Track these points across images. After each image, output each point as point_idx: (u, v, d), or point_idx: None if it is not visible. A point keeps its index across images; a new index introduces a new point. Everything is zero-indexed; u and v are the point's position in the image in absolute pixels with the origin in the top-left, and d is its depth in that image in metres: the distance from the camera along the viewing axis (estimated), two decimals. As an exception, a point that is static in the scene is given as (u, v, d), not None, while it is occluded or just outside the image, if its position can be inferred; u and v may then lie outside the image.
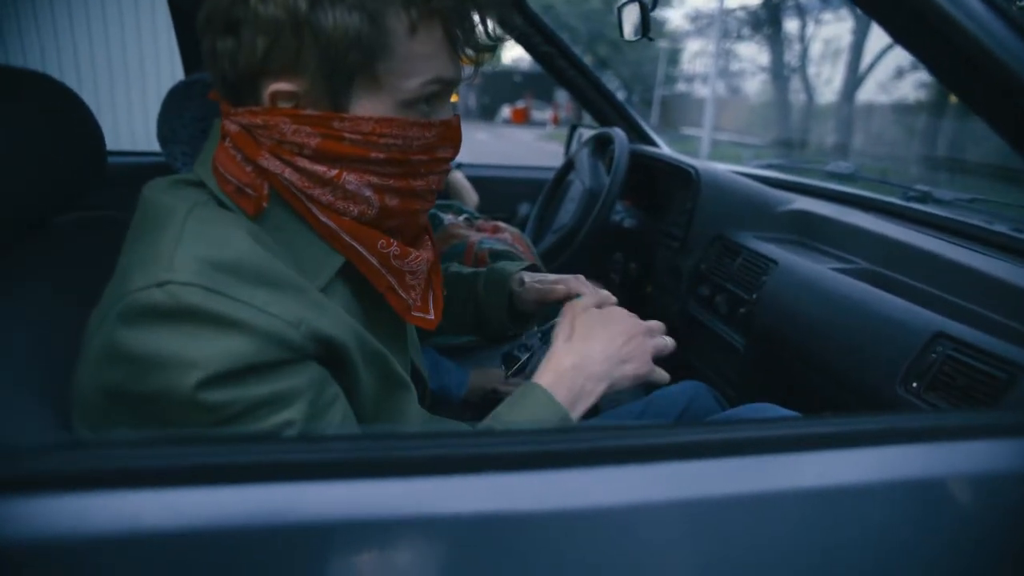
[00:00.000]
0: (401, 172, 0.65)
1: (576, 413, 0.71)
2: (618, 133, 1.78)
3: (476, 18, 0.63)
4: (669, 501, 0.52)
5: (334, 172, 0.62)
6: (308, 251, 0.64)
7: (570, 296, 0.89)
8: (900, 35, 0.69)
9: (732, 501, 0.53)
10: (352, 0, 0.57)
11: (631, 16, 1.31)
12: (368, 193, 0.64)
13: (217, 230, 0.58)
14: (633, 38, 1.33)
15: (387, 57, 0.60)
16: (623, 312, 0.81)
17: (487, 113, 31.07)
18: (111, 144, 0.89)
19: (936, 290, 1.13)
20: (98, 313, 0.57)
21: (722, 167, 1.85)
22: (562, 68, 2.02)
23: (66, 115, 0.82)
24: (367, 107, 0.62)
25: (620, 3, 1.36)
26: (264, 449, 0.47)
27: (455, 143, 0.69)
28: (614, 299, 0.87)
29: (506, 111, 29.38)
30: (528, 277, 0.98)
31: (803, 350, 1.21)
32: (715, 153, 14.28)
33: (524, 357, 1.03)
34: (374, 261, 0.67)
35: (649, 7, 1.23)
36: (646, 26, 1.26)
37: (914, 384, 0.97)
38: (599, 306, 0.83)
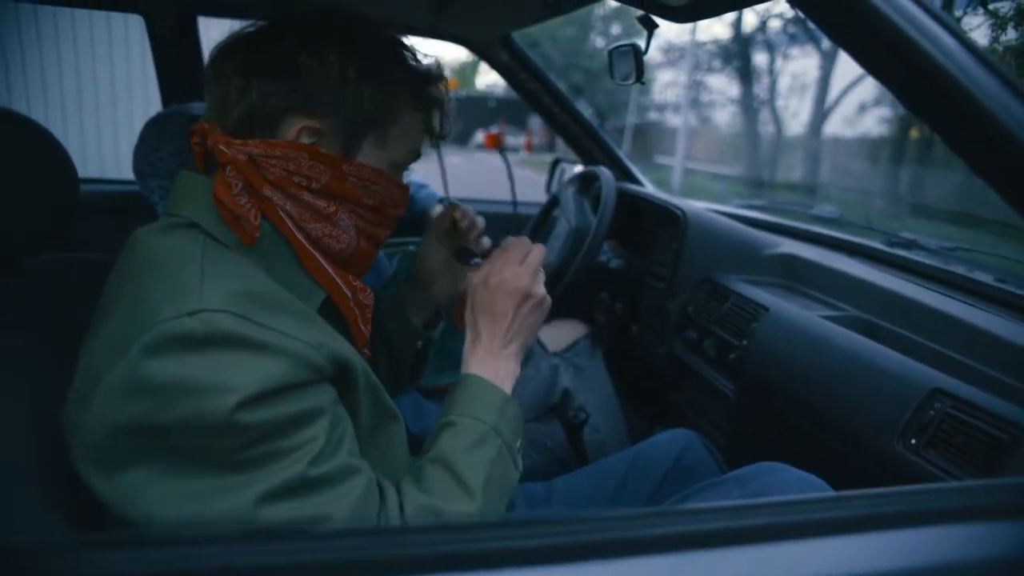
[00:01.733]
0: (376, 220, 0.75)
1: (509, 389, 0.78)
2: (604, 172, 1.77)
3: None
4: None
5: (332, 208, 0.70)
6: (296, 285, 0.69)
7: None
8: (873, 67, 0.69)
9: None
10: (386, 78, 0.71)
11: (623, 60, 1.31)
12: (352, 232, 0.73)
13: (232, 265, 0.63)
14: (626, 83, 1.33)
15: (394, 124, 0.73)
16: (508, 279, 0.79)
17: (461, 138, 31.21)
18: (80, 171, 0.86)
19: (929, 342, 1.13)
20: (106, 352, 0.57)
21: (707, 208, 1.85)
22: (547, 105, 2.02)
23: (36, 152, 0.78)
24: (369, 159, 0.72)
25: (612, 47, 1.35)
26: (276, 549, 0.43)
27: (406, 205, 0.81)
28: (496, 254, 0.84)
29: (480, 136, 29.55)
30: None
31: (797, 400, 1.20)
32: (688, 182, 14.52)
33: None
34: (349, 295, 0.74)
35: (643, 52, 1.23)
36: (639, 71, 1.25)
37: (912, 441, 0.96)
38: (488, 276, 0.81)
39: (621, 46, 1.30)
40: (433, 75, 0.76)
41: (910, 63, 0.62)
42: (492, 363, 0.78)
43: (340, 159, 0.69)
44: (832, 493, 0.86)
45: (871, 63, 0.69)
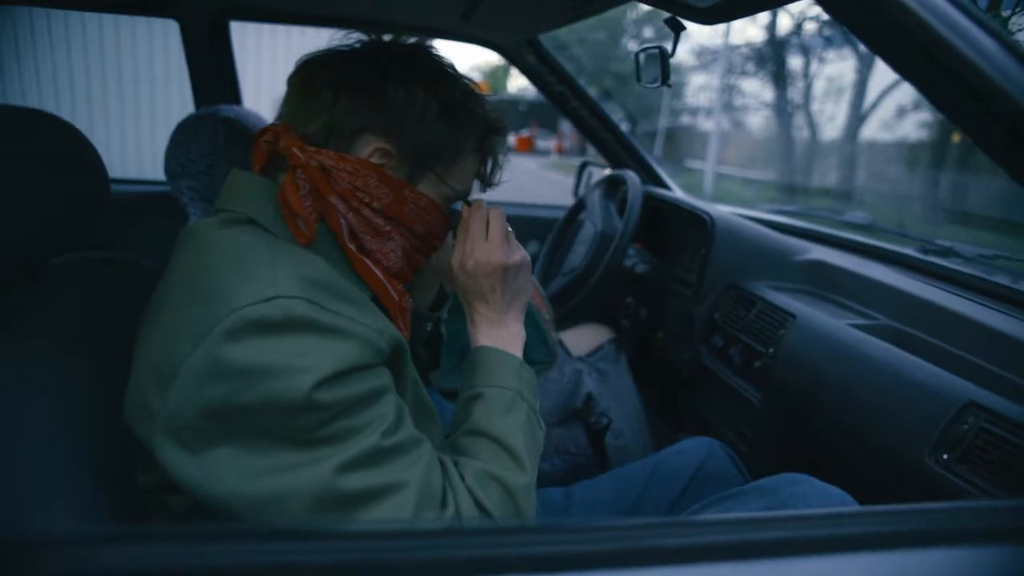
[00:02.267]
0: (420, 246, 0.79)
1: (519, 351, 0.82)
2: (631, 176, 1.76)
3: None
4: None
5: (388, 228, 0.74)
6: (348, 279, 0.72)
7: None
8: (908, 72, 0.66)
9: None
10: (461, 120, 0.76)
11: (650, 63, 1.29)
12: (400, 254, 0.76)
13: (297, 255, 0.66)
14: (651, 85, 1.31)
15: (456, 163, 0.77)
16: (481, 260, 0.81)
17: (492, 141, 31.28)
18: (120, 172, 0.88)
19: (963, 352, 1.10)
20: (181, 338, 0.59)
21: (735, 212, 1.82)
22: (575, 108, 2.01)
23: (69, 154, 0.79)
24: (428, 190, 0.76)
25: (638, 50, 1.34)
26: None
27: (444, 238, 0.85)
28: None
29: (511, 139, 29.61)
30: None
31: (824, 409, 1.17)
32: (719, 187, 14.34)
33: None
34: (396, 298, 0.76)
35: (669, 55, 1.22)
36: (665, 74, 1.24)
37: (944, 456, 0.93)
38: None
39: (647, 49, 1.29)
40: (498, 126, 0.80)
41: (944, 66, 0.60)
42: (496, 332, 0.82)
43: (403, 184, 0.74)
44: (857, 507, 0.83)
45: (905, 68, 0.66)
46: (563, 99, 1.99)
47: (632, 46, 22.30)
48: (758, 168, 16.80)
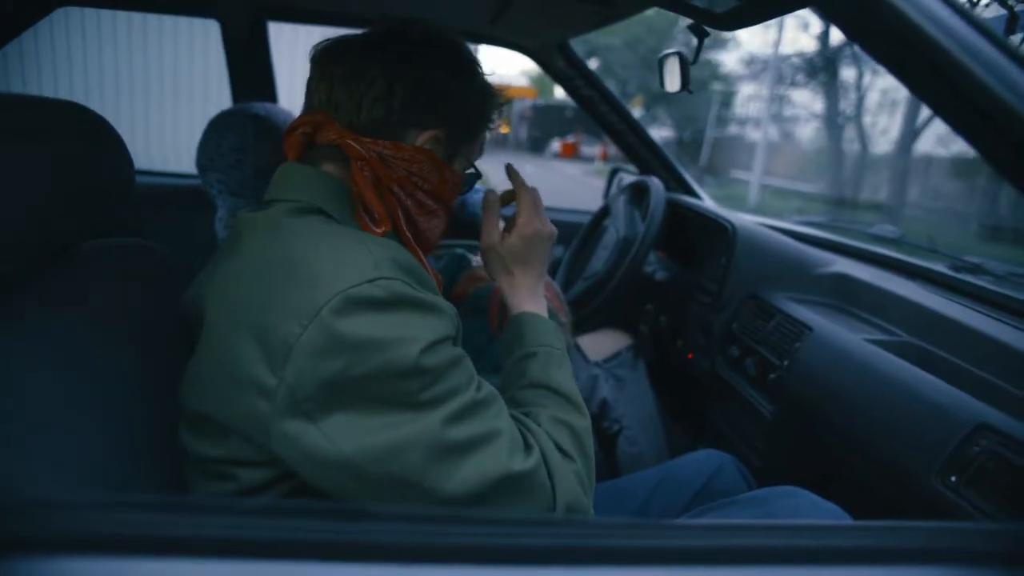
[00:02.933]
0: (448, 219, 0.87)
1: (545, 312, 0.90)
2: (655, 182, 1.74)
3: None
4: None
5: (437, 207, 0.82)
6: None
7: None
8: (918, 89, 0.64)
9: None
10: (486, 101, 0.83)
11: (672, 69, 1.29)
12: (441, 230, 0.85)
13: (380, 241, 0.70)
14: (673, 90, 1.30)
15: (476, 140, 0.85)
16: (539, 228, 0.90)
17: (537, 146, 31.36)
18: (160, 165, 0.93)
19: (985, 374, 1.06)
20: (285, 319, 0.62)
21: (760, 222, 1.79)
22: (603, 112, 2.01)
23: (96, 143, 0.83)
24: (459, 167, 0.84)
25: (661, 55, 1.34)
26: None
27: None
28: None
29: (556, 145, 29.59)
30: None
31: (833, 425, 1.14)
32: (764, 198, 14.08)
33: None
34: (432, 275, 0.81)
35: (690, 61, 1.21)
36: (685, 79, 1.23)
37: (952, 478, 0.90)
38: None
39: (668, 54, 1.29)
40: (503, 101, 0.86)
41: (965, 98, 0.58)
42: (535, 299, 0.90)
43: (446, 166, 0.80)
44: (838, 522, 0.81)
45: (917, 86, 0.65)
46: (592, 103, 1.99)
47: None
48: (806, 180, 16.44)
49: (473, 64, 0.81)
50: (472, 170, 0.86)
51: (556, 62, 1.91)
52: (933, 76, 0.60)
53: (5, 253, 0.72)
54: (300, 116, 0.78)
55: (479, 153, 0.89)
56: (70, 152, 0.78)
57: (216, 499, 0.71)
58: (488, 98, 0.83)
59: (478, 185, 2.03)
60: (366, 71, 0.75)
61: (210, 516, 0.47)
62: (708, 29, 1.22)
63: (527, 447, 0.70)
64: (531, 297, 0.90)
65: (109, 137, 0.85)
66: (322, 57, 0.78)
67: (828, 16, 0.65)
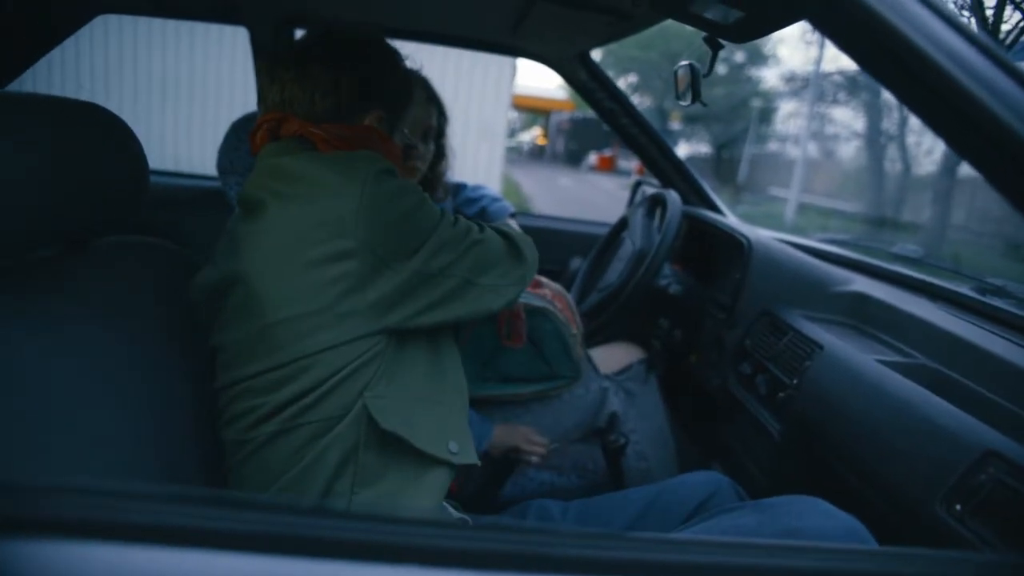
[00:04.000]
0: None
1: None
2: (671, 195, 1.73)
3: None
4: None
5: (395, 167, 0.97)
6: None
7: None
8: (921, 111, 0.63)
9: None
10: (412, 89, 1.06)
11: (684, 80, 1.28)
12: None
13: None
14: (686, 103, 1.29)
15: (409, 115, 1.08)
16: None
17: (574, 159, 31.34)
18: (195, 167, 1.02)
19: (1000, 399, 1.02)
20: (337, 202, 0.83)
21: (780, 238, 1.76)
22: (624, 125, 2.00)
23: (113, 143, 0.86)
24: (397, 140, 1.04)
25: (676, 67, 1.33)
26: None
27: None
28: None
29: (592, 158, 29.53)
30: None
31: (840, 447, 1.11)
32: (802, 217, 13.82)
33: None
34: None
35: (701, 73, 1.20)
36: (696, 92, 1.22)
37: (957, 506, 0.86)
38: None
39: (681, 66, 1.28)
40: (420, 79, 1.14)
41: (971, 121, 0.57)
42: None
43: (388, 138, 0.98)
44: (813, 544, 0.79)
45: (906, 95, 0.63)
46: (613, 116, 1.99)
47: (721, 69, 21.87)
48: (846, 199, 16.10)
49: (396, 55, 1.01)
50: (409, 142, 1.10)
51: (579, 74, 1.91)
52: (920, 87, 0.58)
53: (18, 245, 0.74)
54: (260, 116, 0.94)
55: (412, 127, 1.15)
56: (84, 150, 0.81)
57: (219, 492, 0.76)
58: (410, 81, 1.04)
59: (509, 205, 2.05)
60: (311, 70, 0.92)
61: (213, 509, 0.47)
62: (724, 43, 1.21)
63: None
64: None
65: (124, 136, 0.88)
66: (270, 66, 0.95)
67: (819, 28, 0.64)
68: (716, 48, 1.24)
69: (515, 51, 1.86)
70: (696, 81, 1.22)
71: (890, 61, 0.59)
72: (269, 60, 0.95)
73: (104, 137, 0.85)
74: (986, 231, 11.88)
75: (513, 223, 2.08)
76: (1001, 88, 0.55)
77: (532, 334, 1.44)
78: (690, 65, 1.24)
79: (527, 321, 1.43)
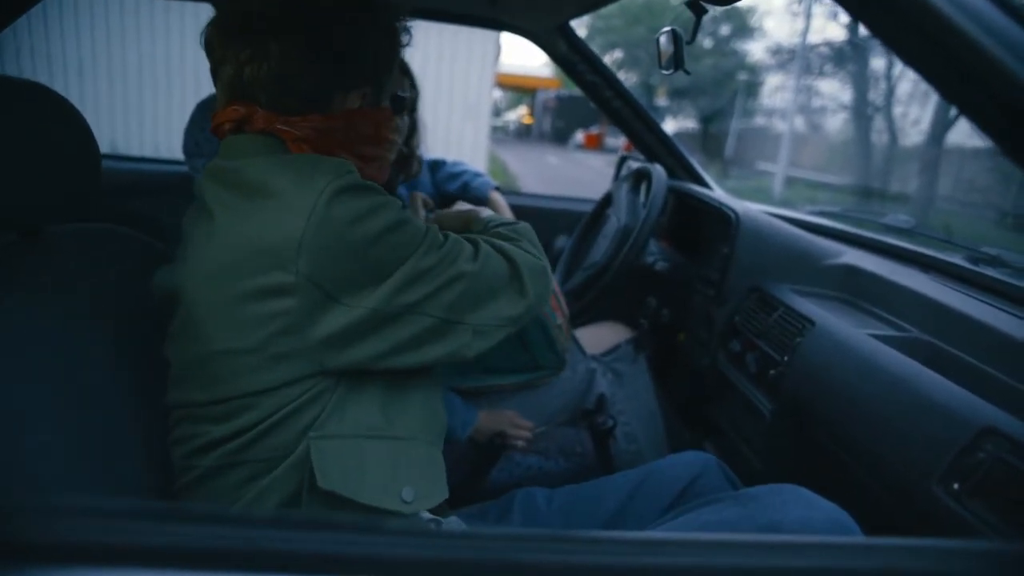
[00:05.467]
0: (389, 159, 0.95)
1: None
2: (657, 169, 1.68)
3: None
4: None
5: (379, 151, 0.87)
6: None
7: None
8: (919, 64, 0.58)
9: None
10: (398, 42, 0.86)
11: (667, 47, 1.22)
12: (387, 165, 0.92)
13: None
14: (668, 70, 1.24)
15: (391, 76, 0.88)
16: None
17: (560, 137, 31.14)
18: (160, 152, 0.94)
19: (997, 372, 0.99)
20: (282, 222, 0.70)
21: (770, 212, 1.72)
22: (608, 98, 1.94)
23: (59, 125, 0.80)
24: (384, 103, 0.88)
25: (658, 34, 1.27)
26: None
27: None
28: None
29: (579, 136, 29.34)
30: None
31: (833, 425, 1.07)
32: (790, 190, 13.82)
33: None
34: None
35: (684, 40, 1.14)
36: (679, 59, 1.17)
37: (955, 485, 0.83)
38: None
39: (663, 32, 1.22)
40: (405, 25, 0.88)
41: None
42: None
43: (376, 109, 0.85)
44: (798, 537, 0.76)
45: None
46: (596, 89, 1.93)
47: (707, 43, 21.72)
48: (834, 172, 16.10)
49: (380, 11, 0.82)
50: (399, 94, 0.94)
51: (560, 47, 1.85)
52: (925, 41, 0.54)
53: None
54: (218, 111, 0.79)
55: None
56: (28, 131, 0.76)
57: (204, 507, 0.74)
58: (393, 34, 0.85)
59: (490, 179, 1.99)
60: (271, 48, 0.74)
61: (195, 525, 0.44)
62: (707, 7, 1.15)
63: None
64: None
65: (71, 118, 0.82)
66: (221, 39, 0.77)
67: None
68: (700, 13, 1.19)
69: (494, 23, 1.79)
70: (679, 48, 1.17)
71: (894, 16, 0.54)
72: (217, 31, 0.77)
73: (47, 118, 0.79)
74: (972, 201, 11.92)
75: (498, 196, 2.02)
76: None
77: None
78: (672, 31, 1.19)
79: None
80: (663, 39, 1.24)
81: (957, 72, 0.53)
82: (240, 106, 0.77)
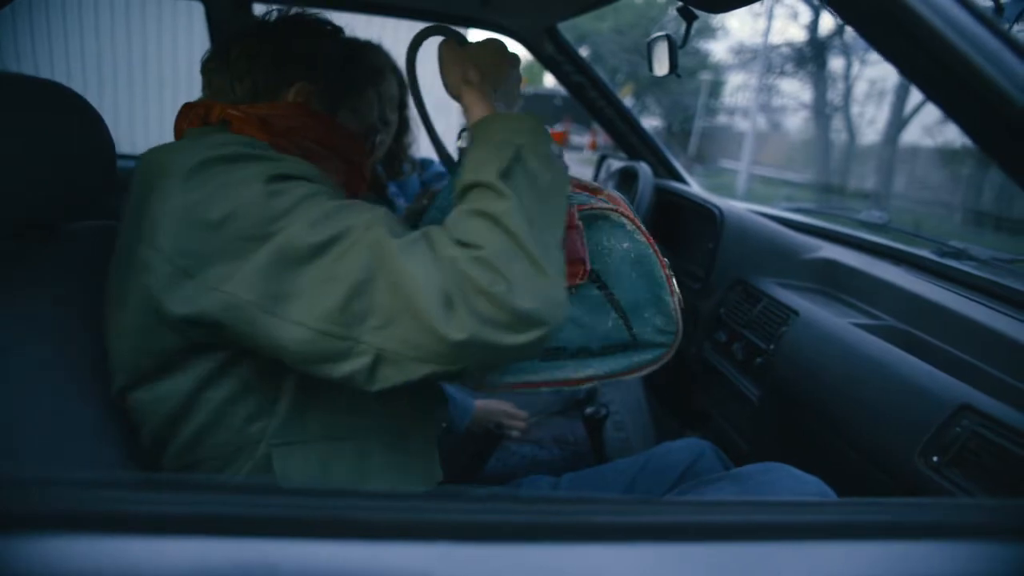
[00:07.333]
0: (353, 170, 0.94)
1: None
2: (643, 167, 1.74)
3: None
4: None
5: (327, 154, 0.87)
6: None
7: None
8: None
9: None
10: (360, 65, 0.97)
11: (660, 52, 1.28)
12: (341, 174, 0.90)
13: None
14: (662, 74, 1.30)
15: (364, 96, 0.98)
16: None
17: (525, 134, 31.06)
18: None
19: (967, 356, 1.07)
20: (151, 200, 0.71)
21: (748, 208, 1.80)
22: (592, 99, 2.00)
23: (77, 122, 0.82)
24: (346, 121, 0.94)
25: (649, 39, 1.33)
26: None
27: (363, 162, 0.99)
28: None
29: (545, 133, 29.35)
30: None
31: (818, 408, 1.15)
32: (753, 187, 14.11)
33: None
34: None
35: (678, 44, 1.20)
36: (674, 63, 1.23)
37: (935, 458, 0.91)
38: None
39: (657, 37, 1.28)
40: (383, 68, 1.03)
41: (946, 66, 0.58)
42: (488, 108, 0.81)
43: (326, 117, 0.88)
44: (807, 499, 0.83)
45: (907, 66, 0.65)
46: (581, 89, 1.98)
47: (671, 43, 21.89)
48: (795, 169, 16.48)
49: (326, 26, 0.92)
50: (371, 121, 1.00)
51: (546, 48, 1.90)
52: (914, 50, 0.60)
53: None
54: (179, 112, 0.86)
55: (374, 117, 1.03)
56: (47, 130, 0.77)
57: (192, 476, 0.74)
58: (354, 53, 0.94)
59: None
60: (230, 55, 0.86)
61: (185, 494, 0.47)
62: (697, 12, 1.21)
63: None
64: (485, 104, 0.80)
65: (89, 117, 0.84)
66: (205, 64, 0.89)
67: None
68: (691, 19, 1.25)
69: (485, 24, 1.83)
70: (673, 52, 1.23)
71: (884, 24, 0.61)
72: (206, 61, 0.90)
73: (69, 118, 0.81)
74: (923, 198, 12.33)
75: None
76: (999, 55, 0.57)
77: (595, 260, 0.87)
78: (667, 36, 1.25)
79: (586, 235, 0.86)
80: (657, 43, 1.30)
81: (953, 83, 0.59)
82: (205, 102, 0.85)
